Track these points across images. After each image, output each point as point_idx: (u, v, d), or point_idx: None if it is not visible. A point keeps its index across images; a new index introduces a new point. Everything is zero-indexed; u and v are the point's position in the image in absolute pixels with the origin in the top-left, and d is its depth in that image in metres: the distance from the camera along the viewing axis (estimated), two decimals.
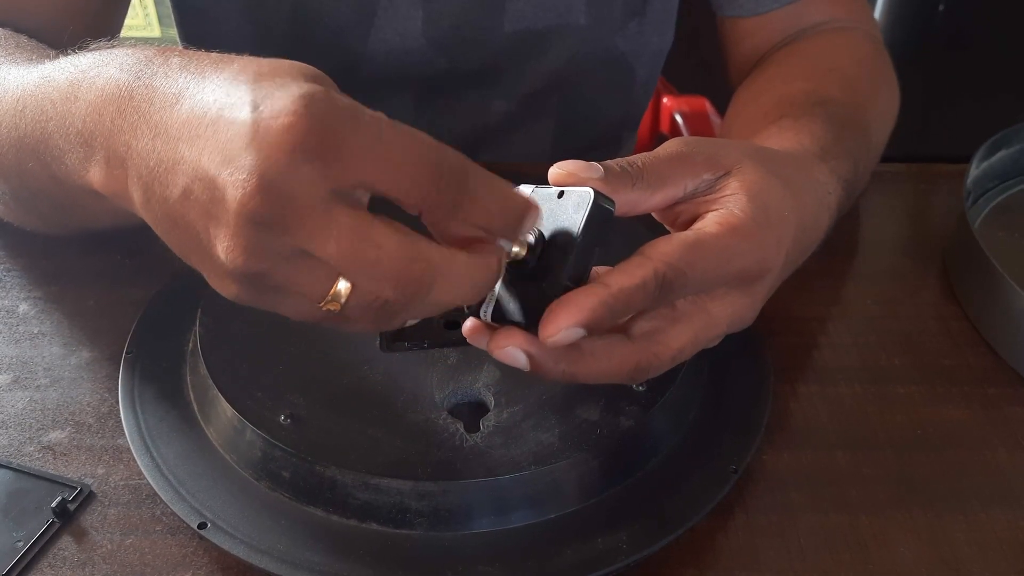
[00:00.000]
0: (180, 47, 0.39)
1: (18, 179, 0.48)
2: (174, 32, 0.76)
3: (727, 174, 0.41)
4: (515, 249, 0.37)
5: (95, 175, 0.38)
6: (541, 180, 0.40)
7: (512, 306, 0.38)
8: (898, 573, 0.42)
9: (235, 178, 0.31)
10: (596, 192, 0.37)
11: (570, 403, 0.43)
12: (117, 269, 0.57)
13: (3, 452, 0.46)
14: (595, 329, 0.36)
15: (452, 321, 0.50)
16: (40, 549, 0.41)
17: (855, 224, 0.65)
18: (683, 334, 0.39)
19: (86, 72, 0.40)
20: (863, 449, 0.47)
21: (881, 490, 0.45)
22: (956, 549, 0.43)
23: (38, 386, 0.50)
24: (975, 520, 0.44)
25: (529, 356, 0.37)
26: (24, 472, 0.45)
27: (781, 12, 0.69)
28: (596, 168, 0.38)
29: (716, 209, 0.40)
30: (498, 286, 0.38)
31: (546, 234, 0.38)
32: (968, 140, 0.65)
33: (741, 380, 0.49)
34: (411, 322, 0.36)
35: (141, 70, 0.37)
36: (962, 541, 0.43)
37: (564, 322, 0.35)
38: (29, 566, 0.41)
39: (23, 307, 0.55)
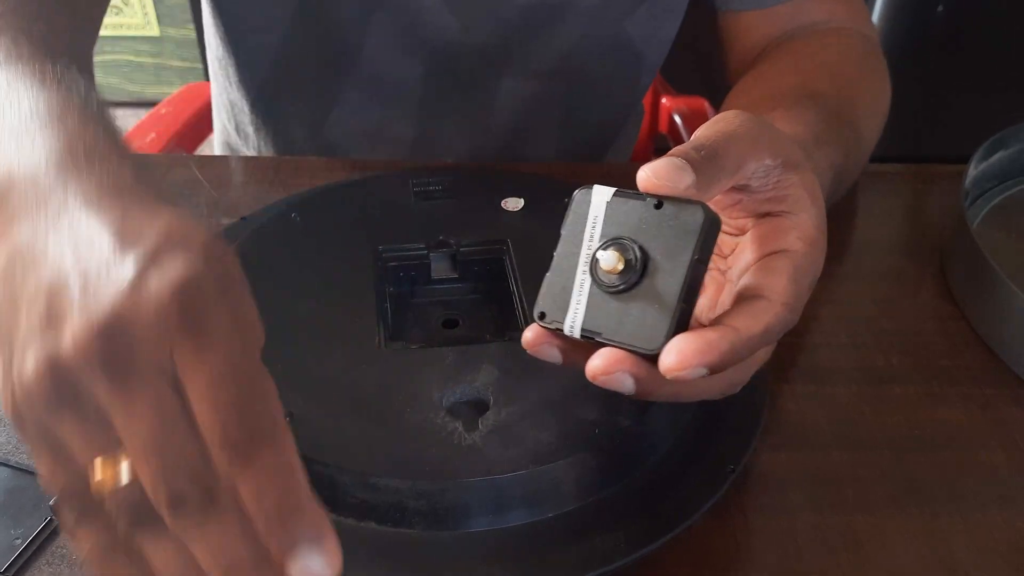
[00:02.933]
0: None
1: None
2: (173, 31, 0.76)
3: (784, 167, 0.40)
4: (610, 263, 0.36)
5: None
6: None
7: (611, 323, 0.37)
8: (894, 574, 0.42)
9: (86, 314, 0.29)
10: (705, 208, 0.36)
11: (568, 403, 0.43)
12: None
13: (1, 449, 0.46)
14: (718, 371, 0.35)
15: (451, 320, 0.50)
16: (38, 547, 0.41)
17: (853, 224, 0.65)
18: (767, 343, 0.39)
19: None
20: (860, 449, 0.47)
21: (878, 490, 0.45)
22: (953, 550, 0.43)
23: None
24: (972, 521, 0.44)
25: (637, 381, 0.36)
26: (22, 469, 0.45)
27: (782, 8, 0.70)
28: (687, 172, 0.36)
29: (786, 213, 0.40)
30: (585, 299, 0.37)
31: (644, 247, 0.36)
32: (966, 141, 0.66)
33: None
34: None
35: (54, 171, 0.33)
36: (959, 542, 0.43)
37: (695, 360, 0.34)
38: (27, 564, 0.41)
39: None
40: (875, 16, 1.71)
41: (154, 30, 2.23)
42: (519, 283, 0.50)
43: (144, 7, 2.18)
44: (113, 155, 0.34)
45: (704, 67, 0.90)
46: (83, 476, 0.29)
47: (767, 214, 0.40)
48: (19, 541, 0.41)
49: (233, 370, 0.30)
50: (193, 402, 0.29)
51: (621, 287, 0.36)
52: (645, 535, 0.41)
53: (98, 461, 0.29)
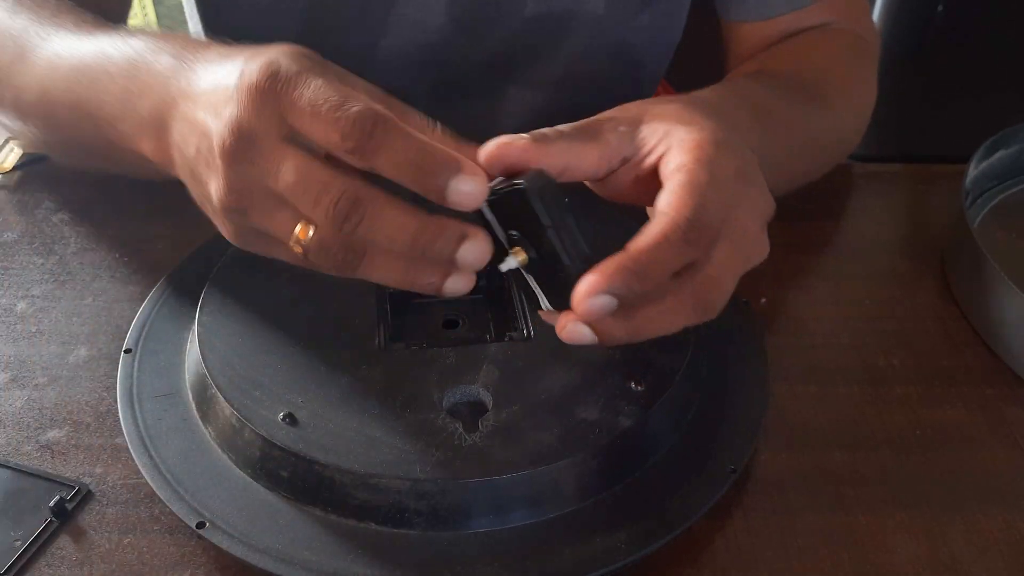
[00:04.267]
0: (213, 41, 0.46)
1: (71, 132, 0.54)
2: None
3: (641, 123, 0.43)
4: (516, 262, 0.40)
5: (147, 145, 0.46)
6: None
7: (556, 302, 0.40)
8: (895, 573, 0.42)
9: (218, 126, 0.39)
10: (529, 179, 0.38)
11: (569, 403, 0.43)
12: (115, 267, 0.57)
13: (1, 451, 0.46)
14: (628, 294, 0.37)
15: (451, 321, 0.50)
16: (38, 548, 0.41)
17: (854, 224, 0.65)
18: (723, 250, 0.40)
19: (143, 56, 0.47)
20: (861, 449, 0.47)
21: (879, 490, 0.45)
22: (953, 549, 0.43)
23: (36, 385, 0.49)
24: (972, 520, 0.44)
25: (591, 327, 0.39)
26: (22, 471, 0.45)
27: (784, 17, 0.70)
28: (520, 137, 0.40)
29: (661, 150, 0.41)
30: (539, 290, 0.41)
31: (527, 235, 0.39)
32: (967, 140, 0.65)
33: (739, 380, 0.49)
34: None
35: (188, 56, 0.45)
36: (959, 541, 0.43)
37: (589, 291, 0.37)
38: (27, 565, 0.41)
39: (21, 305, 0.55)
40: (875, 16, 1.70)
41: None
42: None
43: (144, 7, 2.18)
44: (195, 44, 0.46)
45: (705, 68, 0.90)
46: (288, 244, 0.39)
47: (659, 158, 0.42)
48: (19, 543, 0.41)
49: (324, 96, 0.37)
50: (311, 138, 0.37)
51: (538, 274, 0.40)
52: (646, 536, 0.41)
53: (295, 232, 0.38)
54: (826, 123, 0.61)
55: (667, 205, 0.39)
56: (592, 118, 0.43)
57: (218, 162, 0.39)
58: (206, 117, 0.40)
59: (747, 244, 0.41)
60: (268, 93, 0.38)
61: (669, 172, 0.40)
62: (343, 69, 0.41)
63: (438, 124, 0.40)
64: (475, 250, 0.37)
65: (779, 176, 0.53)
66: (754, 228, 0.41)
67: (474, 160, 0.39)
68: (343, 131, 0.36)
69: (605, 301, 0.37)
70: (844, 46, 0.68)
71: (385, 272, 0.38)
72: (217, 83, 0.41)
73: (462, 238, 0.37)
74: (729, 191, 0.40)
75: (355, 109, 0.36)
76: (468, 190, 0.36)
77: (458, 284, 0.39)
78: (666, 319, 0.39)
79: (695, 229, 0.38)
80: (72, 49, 0.52)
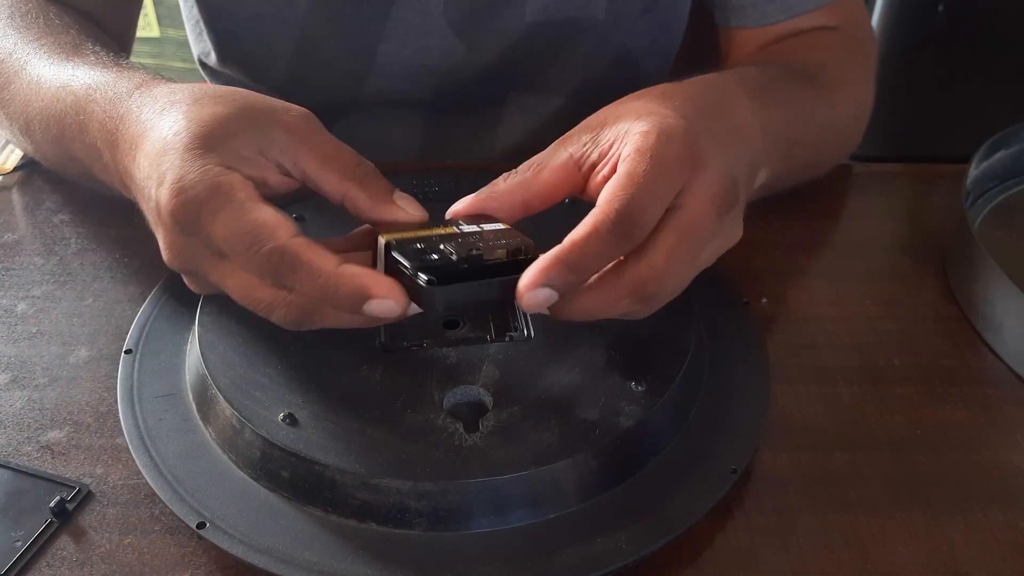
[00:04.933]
0: (160, 83, 0.50)
1: (57, 162, 0.58)
2: (173, 32, 0.76)
3: (604, 126, 0.44)
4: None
5: (116, 186, 0.49)
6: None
7: None
8: (897, 573, 0.42)
9: (160, 239, 0.43)
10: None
11: (569, 403, 0.43)
12: (115, 267, 0.57)
13: (2, 452, 0.46)
14: (566, 285, 0.39)
15: (451, 321, 0.50)
16: (39, 549, 0.41)
17: (854, 224, 0.65)
18: (667, 237, 0.40)
19: (82, 106, 0.49)
20: (862, 449, 0.47)
21: (880, 490, 0.45)
22: (955, 549, 0.43)
23: (36, 385, 0.49)
24: (974, 520, 0.44)
25: (550, 307, 0.40)
26: (23, 472, 0.45)
27: (782, 24, 0.70)
28: (468, 199, 0.44)
29: (619, 148, 0.42)
30: None
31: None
32: (967, 140, 0.65)
33: (740, 380, 0.49)
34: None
35: (122, 114, 0.47)
36: (961, 541, 0.43)
37: (528, 285, 0.38)
38: (28, 566, 0.41)
39: (21, 306, 0.55)
40: (875, 16, 1.71)
41: (154, 31, 2.23)
42: None
43: (144, 8, 2.18)
44: (119, 98, 0.48)
45: (705, 70, 0.90)
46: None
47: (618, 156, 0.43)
48: (20, 543, 0.41)
49: (233, 231, 0.39)
50: (234, 258, 0.40)
51: None
52: (647, 536, 0.41)
53: None
54: (823, 106, 0.61)
55: (601, 198, 0.40)
56: (558, 140, 0.46)
57: (176, 269, 0.44)
58: (148, 214, 0.44)
59: (696, 231, 0.41)
60: (186, 224, 0.40)
61: (619, 163, 0.42)
62: (257, 146, 0.43)
63: (369, 168, 0.45)
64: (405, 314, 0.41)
65: (785, 154, 0.53)
66: (706, 215, 0.41)
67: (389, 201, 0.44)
68: (259, 271, 0.39)
69: (546, 293, 0.39)
70: (839, 45, 0.68)
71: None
72: (146, 175, 0.43)
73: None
74: (669, 179, 0.41)
75: (265, 249, 0.38)
76: (382, 310, 0.39)
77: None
78: (607, 305, 0.40)
79: (624, 222, 0.39)
80: (42, 82, 0.54)
